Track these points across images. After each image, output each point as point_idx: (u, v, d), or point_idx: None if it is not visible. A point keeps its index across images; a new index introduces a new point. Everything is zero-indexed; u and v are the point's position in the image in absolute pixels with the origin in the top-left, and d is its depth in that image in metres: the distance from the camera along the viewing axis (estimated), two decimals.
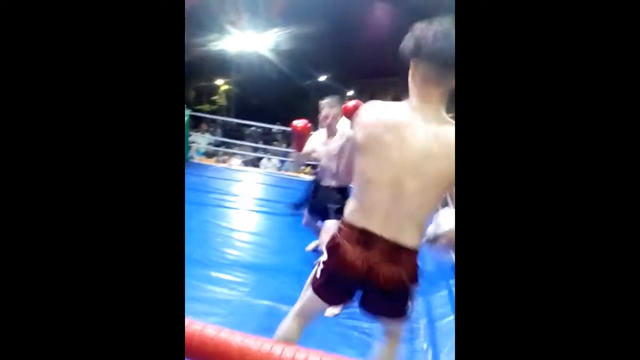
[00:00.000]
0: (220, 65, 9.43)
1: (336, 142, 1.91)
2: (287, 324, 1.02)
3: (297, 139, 1.90)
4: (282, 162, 5.89)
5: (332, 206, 1.85)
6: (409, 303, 0.96)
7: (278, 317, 1.13)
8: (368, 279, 0.90)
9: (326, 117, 1.93)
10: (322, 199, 1.98)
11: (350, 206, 0.95)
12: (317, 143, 2.00)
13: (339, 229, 0.95)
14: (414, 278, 0.92)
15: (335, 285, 0.96)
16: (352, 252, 0.89)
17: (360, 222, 0.90)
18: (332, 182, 1.96)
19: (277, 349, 0.58)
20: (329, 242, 0.97)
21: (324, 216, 1.94)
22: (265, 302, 1.72)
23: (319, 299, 0.97)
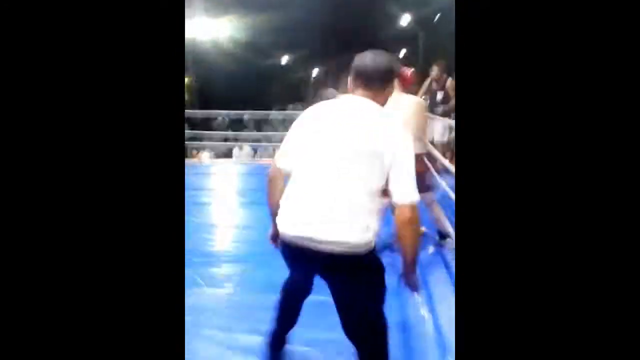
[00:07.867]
0: None
1: None
2: None
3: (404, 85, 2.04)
4: (255, 149, 5.72)
5: None
6: None
7: (268, 309, 1.13)
8: None
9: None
10: None
11: None
12: None
13: None
14: None
15: None
16: None
17: None
18: None
19: None
20: None
21: None
22: (254, 296, 1.68)
23: None
